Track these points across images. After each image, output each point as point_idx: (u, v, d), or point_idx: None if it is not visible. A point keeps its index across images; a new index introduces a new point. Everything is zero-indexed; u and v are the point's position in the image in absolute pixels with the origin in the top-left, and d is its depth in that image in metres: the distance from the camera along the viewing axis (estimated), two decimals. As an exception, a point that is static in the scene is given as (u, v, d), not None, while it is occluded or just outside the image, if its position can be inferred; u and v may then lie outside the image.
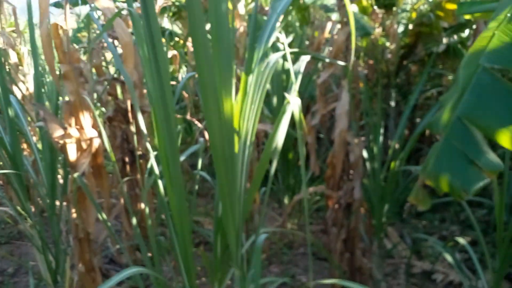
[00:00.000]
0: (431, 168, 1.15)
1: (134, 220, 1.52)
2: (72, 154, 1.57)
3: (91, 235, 1.65)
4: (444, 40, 3.37)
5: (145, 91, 2.06)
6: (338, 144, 1.94)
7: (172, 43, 4.41)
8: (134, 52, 1.73)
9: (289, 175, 3.11)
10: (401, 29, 3.68)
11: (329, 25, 3.13)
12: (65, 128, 1.55)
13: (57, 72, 1.62)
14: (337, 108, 1.94)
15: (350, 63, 1.90)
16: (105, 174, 1.74)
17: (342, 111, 1.92)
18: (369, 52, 3.39)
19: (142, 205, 2.29)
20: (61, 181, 2.32)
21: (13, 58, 3.03)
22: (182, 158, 1.81)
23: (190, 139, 4.03)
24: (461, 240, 2.00)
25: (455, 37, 3.52)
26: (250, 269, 1.33)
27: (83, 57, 2.60)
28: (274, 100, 3.00)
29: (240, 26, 2.82)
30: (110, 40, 2.04)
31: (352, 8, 3.28)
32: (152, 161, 1.34)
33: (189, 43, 3.87)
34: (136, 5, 2.28)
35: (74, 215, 1.61)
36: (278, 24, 1.28)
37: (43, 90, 2.85)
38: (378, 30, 3.30)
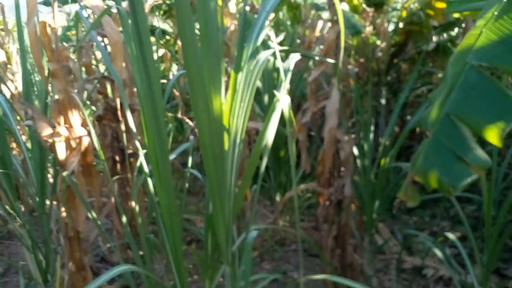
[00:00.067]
0: (420, 165, 1.16)
1: (124, 219, 1.52)
2: (61, 152, 1.56)
3: (81, 234, 1.64)
4: (434, 39, 3.40)
5: (135, 89, 2.05)
6: (328, 141, 1.95)
7: (163, 42, 4.39)
8: (124, 51, 1.73)
9: (281, 173, 3.12)
10: (391, 27, 3.70)
11: (320, 23, 3.14)
12: (54, 127, 1.54)
13: (46, 71, 1.61)
14: (327, 106, 1.94)
15: (340, 61, 1.90)
16: (95, 173, 1.73)
17: (332, 109, 1.92)
18: (360, 51, 3.41)
19: (133, 204, 2.28)
20: (51, 180, 2.31)
21: (1, 56, 3.00)
22: (172, 156, 1.81)
23: (181, 138, 4.02)
24: (451, 236, 2.02)
25: (445, 35, 3.56)
26: (241, 266, 1.34)
27: (73, 56, 2.58)
28: (266, 98, 3.00)
29: (231, 24, 2.82)
30: (99, 38, 2.02)
31: (343, 7, 3.30)
32: (142, 160, 1.33)
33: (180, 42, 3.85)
34: (125, 3, 2.27)
35: (64, 214, 1.60)
36: (267, 22, 1.28)
37: (34, 88, 2.83)
38: (368, 29, 3.32)
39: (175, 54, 3.83)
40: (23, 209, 2.09)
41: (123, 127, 2.16)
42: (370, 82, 3.26)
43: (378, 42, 3.39)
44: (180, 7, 0.94)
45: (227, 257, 1.29)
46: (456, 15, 2.58)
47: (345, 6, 3.27)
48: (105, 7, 1.61)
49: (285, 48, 2.43)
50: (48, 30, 1.51)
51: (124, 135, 2.08)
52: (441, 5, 3.00)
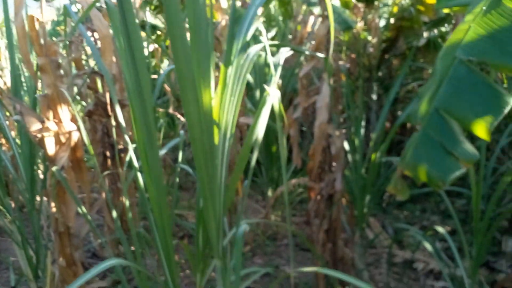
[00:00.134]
0: (409, 159, 1.17)
1: (114, 214, 1.51)
2: (51, 148, 1.55)
3: (71, 229, 1.63)
4: (425, 34, 3.42)
5: (125, 84, 2.04)
6: (318, 136, 1.95)
7: (154, 37, 4.36)
8: (114, 45, 1.71)
9: (273, 168, 3.12)
10: (382, 23, 3.70)
11: (311, 19, 3.14)
12: (43, 122, 1.53)
13: (34, 65, 1.59)
14: (317, 101, 1.95)
15: (330, 56, 1.90)
16: (85, 168, 1.72)
17: (322, 104, 1.93)
18: (351, 46, 3.42)
19: (124, 199, 2.27)
20: (41, 176, 2.29)
21: (-10, 51, 2.97)
22: (163, 151, 1.81)
23: (173, 133, 4.01)
24: (441, 230, 2.04)
25: (435, 31, 3.57)
26: (232, 260, 1.34)
27: (63, 51, 2.55)
28: (257, 94, 3.00)
29: (222, 19, 2.81)
30: (89, 33, 2.01)
31: (334, 2, 3.30)
32: (131, 155, 1.33)
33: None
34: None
35: (54, 210, 1.59)
36: (259, 17, 1.28)
37: (24, 83, 2.80)
38: (360, 24, 3.33)
39: (166, 50, 3.81)
40: (13, 205, 2.07)
41: (113, 122, 2.15)
42: (361, 78, 3.27)
43: (369, 38, 3.40)
44: (169, 1, 0.93)
45: (218, 251, 1.29)
46: (446, 10, 2.59)
47: (336, 2, 3.28)
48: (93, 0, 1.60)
49: (275, 42, 2.43)
50: (36, 24, 1.50)
51: (114, 130, 2.07)
52: (432, 1, 3.01)
